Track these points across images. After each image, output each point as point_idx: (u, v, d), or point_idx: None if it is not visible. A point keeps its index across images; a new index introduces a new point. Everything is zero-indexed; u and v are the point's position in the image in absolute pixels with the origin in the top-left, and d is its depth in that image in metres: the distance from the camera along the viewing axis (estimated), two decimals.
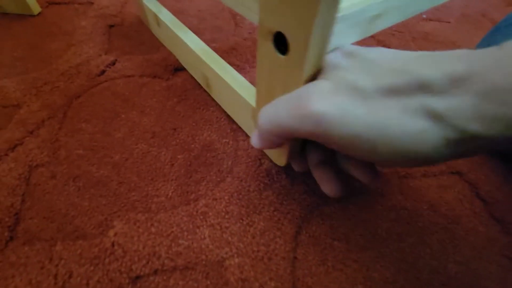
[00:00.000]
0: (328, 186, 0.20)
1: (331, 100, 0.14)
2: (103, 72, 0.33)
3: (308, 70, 0.15)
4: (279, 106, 0.16)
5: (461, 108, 0.11)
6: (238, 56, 0.36)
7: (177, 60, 0.35)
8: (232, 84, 0.25)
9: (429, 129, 0.12)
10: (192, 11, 0.43)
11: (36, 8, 0.40)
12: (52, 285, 0.19)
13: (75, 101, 0.30)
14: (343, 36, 0.17)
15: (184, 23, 0.33)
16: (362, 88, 0.13)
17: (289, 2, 0.13)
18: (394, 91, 0.13)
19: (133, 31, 0.39)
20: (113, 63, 0.34)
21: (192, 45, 0.29)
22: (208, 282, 0.20)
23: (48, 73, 0.32)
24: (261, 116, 0.17)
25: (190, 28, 0.32)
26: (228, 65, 0.27)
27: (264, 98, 0.21)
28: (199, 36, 0.31)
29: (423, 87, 0.12)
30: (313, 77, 0.16)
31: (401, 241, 0.22)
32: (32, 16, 0.40)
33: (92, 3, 0.43)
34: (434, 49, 0.40)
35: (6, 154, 0.25)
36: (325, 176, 0.20)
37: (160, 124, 0.29)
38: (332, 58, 0.16)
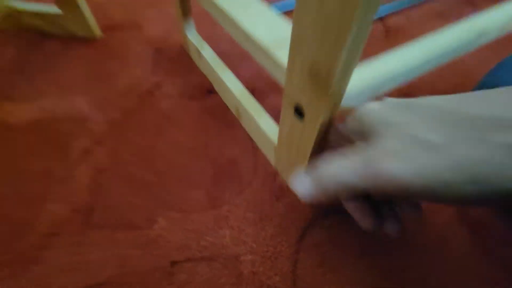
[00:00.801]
0: (366, 220, 0.20)
1: (405, 159, 0.14)
2: (150, 91, 0.40)
3: (318, 132, 0.20)
4: (344, 167, 0.16)
5: None
6: (265, 80, 0.41)
7: (211, 84, 0.41)
8: (261, 124, 0.31)
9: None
10: (233, 50, 0.49)
11: (98, 33, 0.49)
12: (115, 263, 0.26)
13: (129, 117, 0.37)
14: (351, 103, 0.22)
15: (222, 55, 0.39)
16: (431, 140, 0.13)
17: (305, 84, 0.18)
18: (476, 130, 0.13)
19: (176, 55, 0.46)
20: (158, 85, 0.41)
21: (229, 84, 0.35)
22: (227, 272, 0.25)
23: (107, 92, 0.40)
24: (323, 175, 0.18)
25: (228, 61, 0.38)
26: (259, 105, 0.33)
27: (284, 146, 0.27)
28: (233, 69, 0.37)
29: (503, 124, 0.12)
30: (322, 137, 0.21)
31: (390, 254, 0.27)
32: (95, 39, 0.49)
33: (142, 29, 0.51)
34: None
35: (81, 159, 0.33)
36: (364, 211, 0.20)
37: (195, 140, 0.35)
38: (383, 114, 0.16)
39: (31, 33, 0.48)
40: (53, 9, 0.46)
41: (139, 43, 0.48)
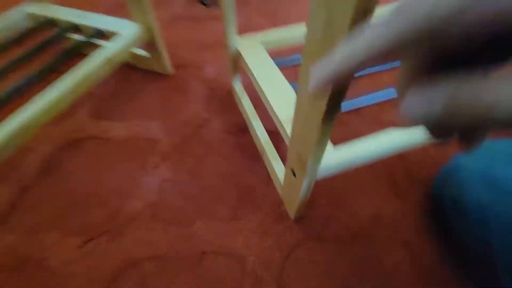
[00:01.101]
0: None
1: None
2: (201, 125, 0.55)
3: (304, 187, 0.32)
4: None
5: None
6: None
7: (246, 125, 0.54)
8: (274, 166, 0.44)
9: None
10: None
11: (170, 70, 0.65)
12: (167, 245, 0.40)
13: (185, 143, 0.52)
14: (325, 174, 0.33)
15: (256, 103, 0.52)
16: None
17: (296, 161, 0.31)
18: None
19: (224, 96, 0.60)
20: (208, 120, 0.56)
21: (257, 129, 0.48)
22: (237, 266, 0.38)
23: (173, 121, 0.56)
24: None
25: (260, 110, 0.51)
26: (275, 151, 0.45)
27: (286, 187, 0.39)
28: (262, 118, 0.50)
29: None
30: (309, 189, 0.33)
31: (354, 263, 0.37)
32: (168, 75, 0.65)
33: (201, 69, 0.66)
34: None
35: (152, 170, 0.48)
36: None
37: (228, 167, 0.49)
38: None
39: (124, 67, 0.66)
40: (143, 52, 0.63)
41: (198, 82, 0.63)
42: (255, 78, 0.43)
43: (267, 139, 0.47)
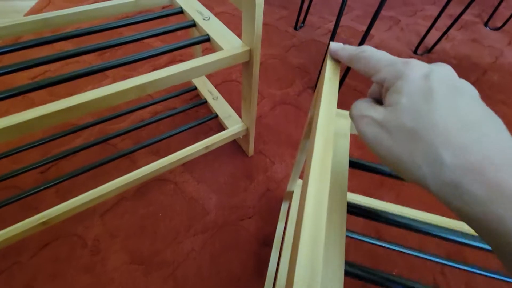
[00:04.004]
0: None
1: (373, 129, 0.19)
2: (242, 218, 0.68)
3: None
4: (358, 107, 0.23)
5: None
6: None
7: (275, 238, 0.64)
8: None
9: (429, 174, 0.16)
10: None
11: (251, 152, 0.80)
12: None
13: (223, 229, 0.66)
14: None
15: None
16: (391, 125, 0.18)
17: None
18: (415, 138, 0.17)
19: (274, 204, 0.71)
20: (250, 217, 0.68)
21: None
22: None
23: (227, 201, 0.70)
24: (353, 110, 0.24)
25: None
26: None
27: None
28: None
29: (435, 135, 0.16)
30: None
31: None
32: (247, 155, 0.80)
33: (271, 164, 0.78)
34: None
35: (192, 236, 0.65)
36: None
37: (238, 269, 0.60)
38: (410, 86, 0.18)
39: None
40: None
41: (265, 176, 0.76)
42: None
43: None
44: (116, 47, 0.96)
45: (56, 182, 0.61)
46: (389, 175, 0.36)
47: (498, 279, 0.38)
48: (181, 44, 0.53)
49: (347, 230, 0.47)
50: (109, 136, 0.71)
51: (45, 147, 0.75)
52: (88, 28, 0.53)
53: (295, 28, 1.26)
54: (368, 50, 0.23)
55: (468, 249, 0.64)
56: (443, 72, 0.19)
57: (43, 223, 0.53)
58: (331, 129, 0.23)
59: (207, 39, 0.55)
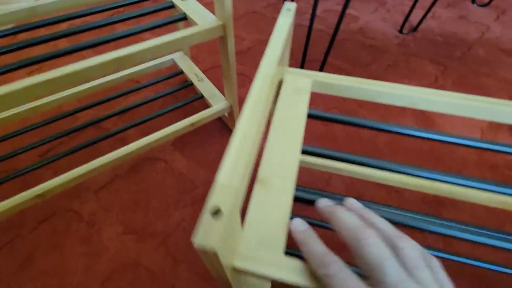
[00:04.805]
0: None
1: None
2: None
3: None
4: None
5: None
6: None
7: None
8: None
9: None
10: None
11: None
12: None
13: None
14: None
15: None
16: None
17: None
18: None
19: None
20: None
21: None
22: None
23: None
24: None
25: None
26: None
27: None
28: None
29: None
30: None
31: None
32: None
33: None
34: None
35: (182, 208, 0.69)
36: None
37: None
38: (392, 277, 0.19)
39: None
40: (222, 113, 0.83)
41: None
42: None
43: None
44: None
45: (53, 159, 0.65)
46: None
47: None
48: (159, 23, 0.56)
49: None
50: (102, 117, 0.75)
51: (42, 131, 0.79)
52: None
53: None
54: (337, 212, 0.25)
55: None
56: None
57: (39, 195, 0.57)
58: (270, 73, 0.26)
59: (184, 17, 0.58)
